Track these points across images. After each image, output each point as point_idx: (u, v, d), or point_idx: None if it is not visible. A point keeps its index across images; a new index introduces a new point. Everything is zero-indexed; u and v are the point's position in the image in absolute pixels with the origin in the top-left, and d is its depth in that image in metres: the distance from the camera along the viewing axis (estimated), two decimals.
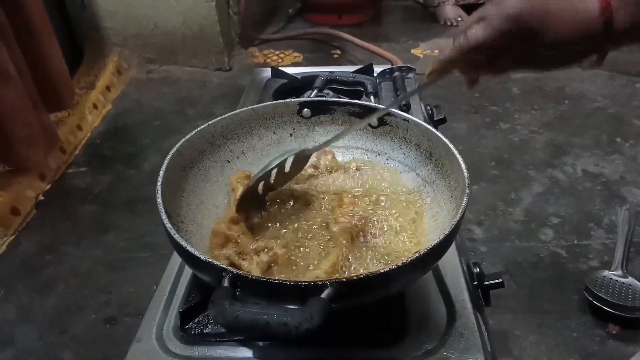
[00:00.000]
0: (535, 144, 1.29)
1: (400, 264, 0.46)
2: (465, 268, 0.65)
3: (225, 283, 0.45)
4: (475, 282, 0.66)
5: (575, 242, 0.97)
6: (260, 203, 0.63)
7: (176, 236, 0.49)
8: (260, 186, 0.62)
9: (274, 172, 0.61)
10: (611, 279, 0.85)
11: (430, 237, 0.60)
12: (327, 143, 0.63)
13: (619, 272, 0.87)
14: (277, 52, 1.92)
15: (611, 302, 0.81)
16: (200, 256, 0.47)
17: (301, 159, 0.65)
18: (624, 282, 0.84)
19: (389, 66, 1.10)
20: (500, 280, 0.66)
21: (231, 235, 0.59)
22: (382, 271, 0.45)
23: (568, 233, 0.99)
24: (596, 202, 1.07)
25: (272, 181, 0.62)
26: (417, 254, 0.47)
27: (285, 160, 0.62)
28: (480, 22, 0.50)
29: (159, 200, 0.54)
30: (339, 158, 0.74)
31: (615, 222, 1.00)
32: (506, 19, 0.48)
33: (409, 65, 1.11)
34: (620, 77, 1.59)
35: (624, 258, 0.89)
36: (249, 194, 0.61)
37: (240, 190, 0.63)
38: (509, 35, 0.48)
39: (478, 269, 0.66)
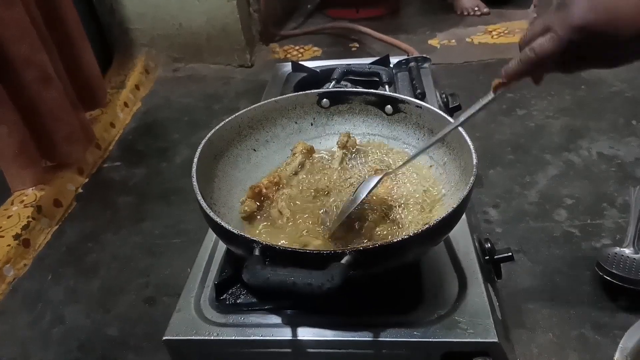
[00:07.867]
0: (551, 129, 1.31)
1: (411, 234, 0.51)
2: (477, 244, 0.70)
3: (256, 252, 0.50)
4: (487, 257, 0.70)
5: (589, 221, 1.00)
6: None
7: (212, 214, 0.54)
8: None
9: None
10: (622, 255, 0.87)
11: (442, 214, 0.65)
12: (405, 164, 0.66)
13: (631, 249, 0.89)
14: (297, 47, 1.97)
15: (621, 276, 0.83)
16: (234, 230, 0.53)
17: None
18: (634, 258, 0.87)
19: (405, 57, 1.14)
20: (510, 254, 0.70)
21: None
22: (394, 241, 0.50)
23: (582, 213, 1.02)
24: (610, 183, 1.09)
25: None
26: (426, 226, 0.52)
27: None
28: (546, 34, 0.48)
29: (195, 183, 0.59)
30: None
31: (628, 202, 1.02)
32: (572, 30, 0.46)
33: (424, 55, 1.15)
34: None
35: (636, 235, 0.91)
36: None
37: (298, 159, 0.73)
38: (577, 43, 0.47)
39: (489, 245, 0.71)
